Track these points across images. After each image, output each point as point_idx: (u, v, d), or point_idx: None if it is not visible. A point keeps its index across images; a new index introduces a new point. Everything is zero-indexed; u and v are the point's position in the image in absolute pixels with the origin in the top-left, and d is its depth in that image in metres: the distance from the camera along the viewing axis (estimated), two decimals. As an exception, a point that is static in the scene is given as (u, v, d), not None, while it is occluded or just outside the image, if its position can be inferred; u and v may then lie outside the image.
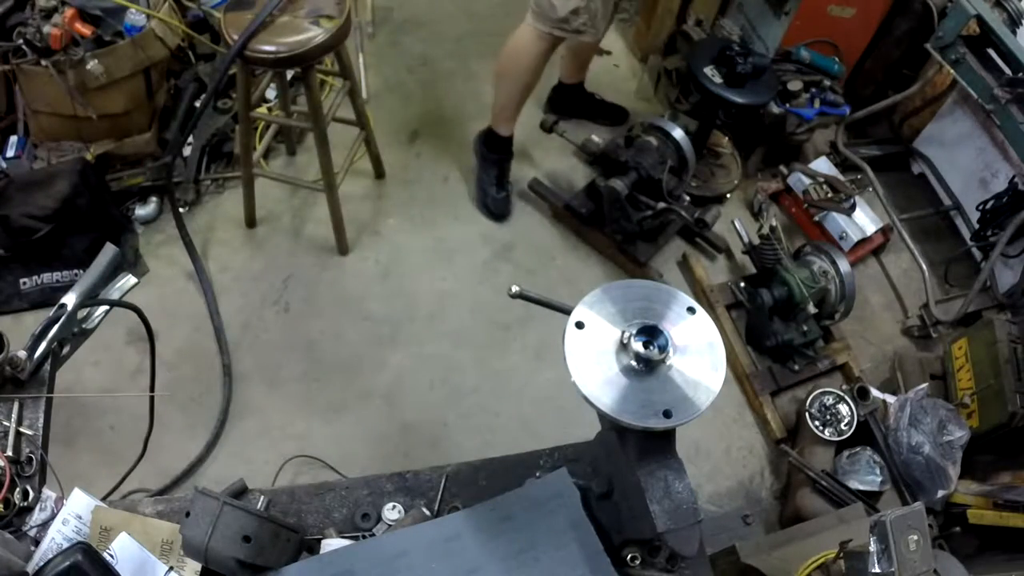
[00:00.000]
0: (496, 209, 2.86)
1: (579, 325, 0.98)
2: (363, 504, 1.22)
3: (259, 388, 2.46)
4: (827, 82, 2.90)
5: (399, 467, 1.27)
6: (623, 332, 0.96)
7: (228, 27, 2.15)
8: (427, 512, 1.21)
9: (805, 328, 2.52)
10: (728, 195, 2.96)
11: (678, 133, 2.55)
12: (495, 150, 2.81)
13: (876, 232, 2.83)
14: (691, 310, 1.01)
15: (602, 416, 0.96)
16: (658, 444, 0.99)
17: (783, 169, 2.97)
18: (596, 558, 1.10)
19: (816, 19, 2.87)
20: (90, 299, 1.27)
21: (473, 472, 1.27)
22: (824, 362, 2.59)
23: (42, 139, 2.69)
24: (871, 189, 2.98)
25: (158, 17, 2.60)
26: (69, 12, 2.39)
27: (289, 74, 2.74)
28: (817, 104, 2.88)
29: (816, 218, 2.87)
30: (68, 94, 2.49)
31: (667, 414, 0.92)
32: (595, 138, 2.72)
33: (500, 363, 2.55)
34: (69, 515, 1.14)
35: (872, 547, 1.13)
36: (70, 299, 1.24)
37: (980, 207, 2.75)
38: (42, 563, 1.04)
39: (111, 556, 1.10)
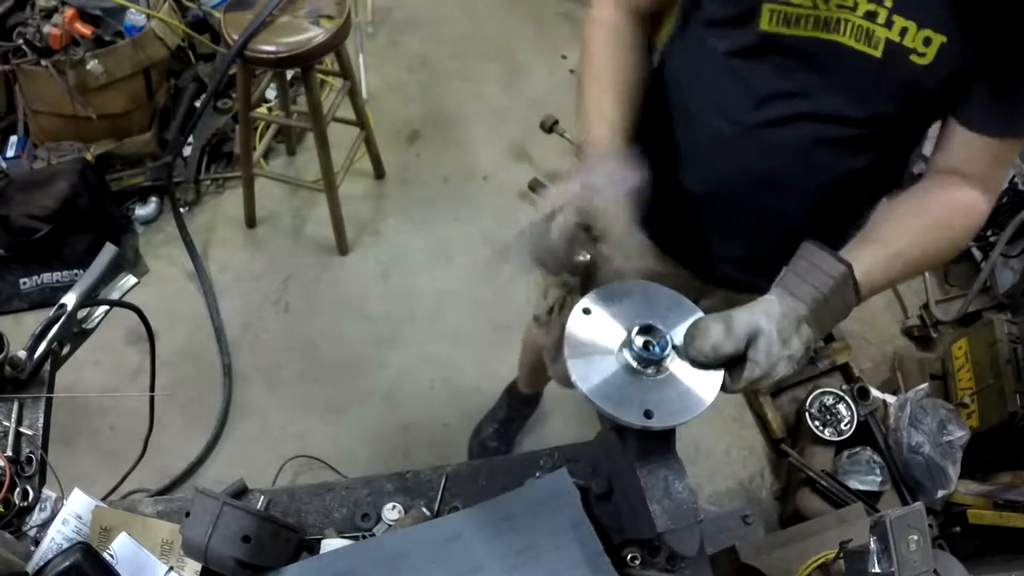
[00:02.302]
0: (477, 453, 2.33)
1: (586, 311, 0.97)
2: (363, 504, 1.22)
3: (259, 388, 2.46)
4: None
5: (399, 467, 1.27)
6: (625, 330, 0.96)
7: (228, 27, 2.15)
8: (427, 512, 1.20)
9: (805, 328, 2.51)
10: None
11: None
12: (511, 396, 2.39)
13: (876, 232, 2.83)
14: (693, 311, 1.01)
15: (602, 416, 0.96)
16: (658, 444, 0.99)
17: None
18: (596, 558, 1.10)
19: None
20: (90, 299, 1.27)
21: (473, 472, 1.27)
22: (824, 362, 2.57)
23: (42, 139, 2.69)
24: (871, 189, 2.97)
25: (158, 17, 2.60)
26: (69, 12, 2.39)
27: (289, 74, 2.74)
28: (817, 104, 2.87)
29: (816, 218, 2.87)
30: (68, 94, 2.49)
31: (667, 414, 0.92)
32: None
33: (500, 363, 2.55)
34: (69, 515, 1.13)
35: (872, 547, 1.12)
36: (70, 299, 1.23)
37: (980, 207, 2.75)
38: (42, 563, 1.04)
39: (111, 556, 1.10)
